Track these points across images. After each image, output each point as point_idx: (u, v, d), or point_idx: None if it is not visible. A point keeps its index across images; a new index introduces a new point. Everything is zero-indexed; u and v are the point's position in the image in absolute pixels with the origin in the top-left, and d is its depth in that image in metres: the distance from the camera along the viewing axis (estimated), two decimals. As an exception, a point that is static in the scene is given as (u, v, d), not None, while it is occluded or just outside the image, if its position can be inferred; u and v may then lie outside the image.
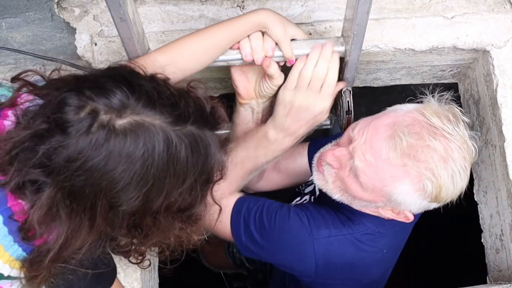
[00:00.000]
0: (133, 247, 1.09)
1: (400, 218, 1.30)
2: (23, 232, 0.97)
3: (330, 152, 1.28)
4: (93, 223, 0.95)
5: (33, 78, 1.09)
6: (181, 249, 1.12)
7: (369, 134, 1.22)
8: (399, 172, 1.19)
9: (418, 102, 1.28)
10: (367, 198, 1.26)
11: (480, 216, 1.78)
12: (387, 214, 1.30)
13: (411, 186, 1.20)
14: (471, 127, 1.76)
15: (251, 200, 1.40)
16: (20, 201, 0.98)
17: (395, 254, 1.48)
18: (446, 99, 1.26)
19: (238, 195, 1.41)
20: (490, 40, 1.58)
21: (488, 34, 1.57)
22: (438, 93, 1.27)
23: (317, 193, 1.54)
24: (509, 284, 1.51)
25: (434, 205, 1.27)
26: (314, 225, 1.33)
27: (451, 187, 1.20)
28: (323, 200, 1.46)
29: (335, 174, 1.30)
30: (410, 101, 1.30)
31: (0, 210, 0.97)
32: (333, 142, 1.38)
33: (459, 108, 1.26)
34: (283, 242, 1.34)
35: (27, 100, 1.03)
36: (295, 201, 1.58)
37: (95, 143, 0.89)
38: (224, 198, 1.34)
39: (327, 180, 1.32)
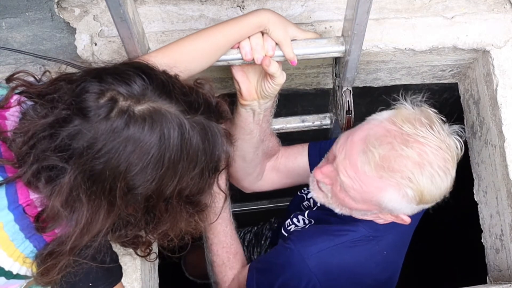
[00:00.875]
0: (144, 236, 1.13)
1: (399, 221, 1.34)
2: (40, 222, 1.00)
3: (318, 170, 1.32)
4: (112, 206, 0.99)
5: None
6: (188, 236, 1.17)
7: (347, 149, 1.25)
8: (380, 183, 1.21)
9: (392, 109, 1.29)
10: (361, 208, 1.30)
11: (480, 216, 1.78)
12: (387, 218, 1.34)
13: (395, 193, 1.22)
14: (471, 126, 1.76)
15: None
16: (31, 196, 1.00)
17: (399, 257, 1.48)
18: (420, 101, 1.27)
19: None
20: (490, 40, 1.58)
21: (488, 34, 1.58)
22: (410, 95, 1.28)
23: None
24: (509, 284, 1.51)
25: (427, 206, 1.28)
26: (301, 245, 1.37)
27: (433, 189, 1.22)
28: (322, 207, 1.48)
29: (331, 189, 1.33)
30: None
31: (11, 208, 1.00)
32: (325, 157, 1.40)
33: (432, 109, 1.26)
34: (281, 273, 1.38)
35: (21, 100, 1.05)
36: (293, 226, 1.58)
37: (115, 127, 0.94)
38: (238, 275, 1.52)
39: (327, 195, 1.35)
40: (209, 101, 1.06)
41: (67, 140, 0.94)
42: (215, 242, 1.53)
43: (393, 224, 1.38)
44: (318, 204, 1.55)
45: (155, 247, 1.31)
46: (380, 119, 1.27)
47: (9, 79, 1.09)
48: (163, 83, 1.00)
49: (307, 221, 1.54)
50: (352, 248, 1.37)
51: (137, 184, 0.97)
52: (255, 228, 2.11)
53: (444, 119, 1.26)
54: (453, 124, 1.27)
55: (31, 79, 1.11)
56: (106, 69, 1.02)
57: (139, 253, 1.22)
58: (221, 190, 1.25)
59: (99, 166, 0.94)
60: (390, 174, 1.19)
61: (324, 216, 1.47)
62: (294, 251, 1.36)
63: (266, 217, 2.19)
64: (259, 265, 1.47)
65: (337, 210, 1.36)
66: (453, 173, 1.23)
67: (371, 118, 1.30)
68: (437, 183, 1.21)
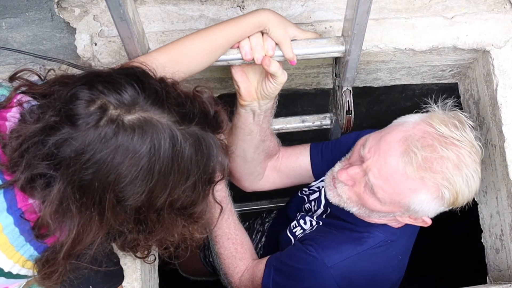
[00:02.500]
0: (140, 243, 1.11)
1: (418, 223, 1.35)
2: (36, 230, 0.99)
3: (344, 171, 1.32)
4: (103, 218, 0.97)
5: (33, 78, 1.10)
6: (184, 245, 1.15)
7: (382, 151, 1.25)
8: (416, 184, 1.23)
9: (422, 111, 1.32)
10: (385, 210, 1.30)
11: (480, 216, 1.78)
12: (405, 220, 1.35)
13: (429, 195, 1.24)
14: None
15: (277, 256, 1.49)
16: (30, 201, 1.00)
17: (407, 258, 1.50)
18: (450, 105, 1.30)
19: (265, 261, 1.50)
20: (490, 40, 1.58)
21: (488, 34, 1.58)
22: (441, 100, 1.30)
23: (323, 202, 1.55)
24: (509, 284, 1.51)
25: (453, 207, 1.30)
26: (324, 253, 1.37)
27: (467, 191, 1.25)
28: (332, 214, 1.48)
29: (349, 190, 1.33)
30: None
31: (11, 212, 0.99)
32: (343, 159, 1.41)
33: (463, 113, 1.29)
34: (303, 279, 1.38)
35: (22, 101, 1.04)
36: (299, 227, 1.58)
37: (103, 136, 0.92)
38: (251, 267, 1.51)
39: (341, 195, 1.35)
40: (205, 111, 1.04)
41: (54, 148, 0.92)
42: (219, 234, 1.53)
43: (406, 227, 1.39)
44: (322, 208, 1.56)
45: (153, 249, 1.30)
46: (413, 121, 1.28)
47: (12, 78, 1.08)
48: (156, 92, 0.98)
49: (314, 223, 1.54)
50: (373, 255, 1.38)
51: (127, 196, 0.95)
52: (246, 223, 2.12)
53: (473, 123, 1.29)
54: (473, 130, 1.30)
55: (35, 77, 1.11)
56: (99, 75, 1.00)
57: (137, 255, 1.20)
58: (216, 202, 1.21)
59: (88, 177, 0.93)
60: (432, 175, 1.21)
61: (335, 221, 1.47)
62: (317, 259, 1.36)
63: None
64: (279, 265, 1.46)
65: (355, 209, 1.36)
66: (480, 175, 1.27)
67: (403, 121, 1.31)
68: (471, 184, 1.24)
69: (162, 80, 1.03)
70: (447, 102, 1.30)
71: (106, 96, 0.94)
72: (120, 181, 0.93)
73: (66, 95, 0.96)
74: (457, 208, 1.30)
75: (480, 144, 1.28)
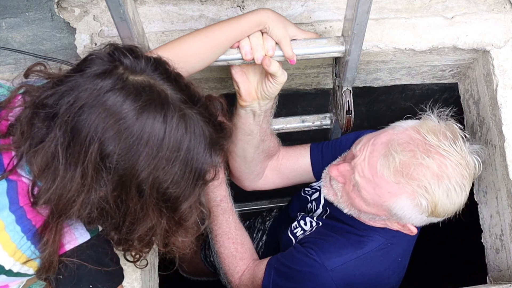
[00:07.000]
0: (122, 235, 1.08)
1: (405, 231, 1.35)
2: (30, 193, 1.00)
3: (335, 167, 1.33)
4: (85, 175, 0.96)
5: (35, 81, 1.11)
6: (170, 255, 1.15)
7: (368, 151, 1.26)
8: (395, 189, 1.22)
9: (418, 119, 1.31)
10: (371, 211, 1.30)
11: (480, 216, 1.78)
12: (394, 226, 1.35)
13: (408, 201, 1.23)
14: (471, 126, 1.76)
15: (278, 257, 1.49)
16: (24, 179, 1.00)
17: (407, 260, 1.50)
18: (446, 115, 1.29)
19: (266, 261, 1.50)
20: (490, 40, 1.58)
21: (488, 34, 1.58)
22: (438, 108, 1.30)
23: (322, 202, 1.56)
24: (509, 284, 1.51)
25: (436, 219, 1.30)
26: (325, 256, 1.37)
27: (448, 203, 1.23)
28: (332, 215, 1.48)
29: (342, 188, 1.34)
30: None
31: (13, 209, 1.00)
32: (342, 156, 1.42)
33: (458, 125, 1.28)
34: (303, 282, 1.38)
35: (25, 99, 1.05)
36: (300, 228, 1.58)
37: (101, 88, 0.94)
38: (252, 267, 1.51)
39: (337, 193, 1.36)
40: (210, 108, 1.05)
41: (57, 97, 0.95)
42: (219, 233, 1.53)
43: None
44: (321, 208, 1.56)
45: (150, 254, 1.28)
46: (405, 127, 1.28)
47: (27, 73, 1.11)
48: (167, 71, 1.02)
49: (314, 223, 1.54)
50: (373, 259, 1.39)
51: (109, 150, 0.94)
52: (247, 222, 2.12)
53: (467, 136, 1.27)
54: (474, 144, 1.28)
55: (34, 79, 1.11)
56: (122, 46, 1.05)
57: (128, 258, 1.19)
58: (203, 208, 1.14)
59: (78, 125, 0.94)
60: (408, 181, 1.20)
61: (335, 223, 1.47)
62: (318, 262, 1.37)
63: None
64: (279, 266, 1.46)
65: (346, 210, 1.37)
66: (468, 190, 1.25)
67: (396, 124, 1.32)
68: (452, 197, 1.22)
69: (177, 71, 1.06)
70: (444, 111, 1.29)
71: (123, 60, 0.99)
72: (105, 133, 0.94)
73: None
74: (442, 219, 1.29)
75: (478, 158, 1.25)
